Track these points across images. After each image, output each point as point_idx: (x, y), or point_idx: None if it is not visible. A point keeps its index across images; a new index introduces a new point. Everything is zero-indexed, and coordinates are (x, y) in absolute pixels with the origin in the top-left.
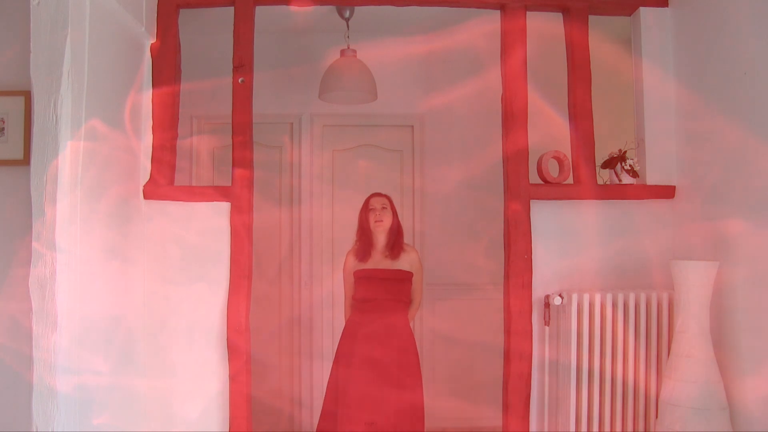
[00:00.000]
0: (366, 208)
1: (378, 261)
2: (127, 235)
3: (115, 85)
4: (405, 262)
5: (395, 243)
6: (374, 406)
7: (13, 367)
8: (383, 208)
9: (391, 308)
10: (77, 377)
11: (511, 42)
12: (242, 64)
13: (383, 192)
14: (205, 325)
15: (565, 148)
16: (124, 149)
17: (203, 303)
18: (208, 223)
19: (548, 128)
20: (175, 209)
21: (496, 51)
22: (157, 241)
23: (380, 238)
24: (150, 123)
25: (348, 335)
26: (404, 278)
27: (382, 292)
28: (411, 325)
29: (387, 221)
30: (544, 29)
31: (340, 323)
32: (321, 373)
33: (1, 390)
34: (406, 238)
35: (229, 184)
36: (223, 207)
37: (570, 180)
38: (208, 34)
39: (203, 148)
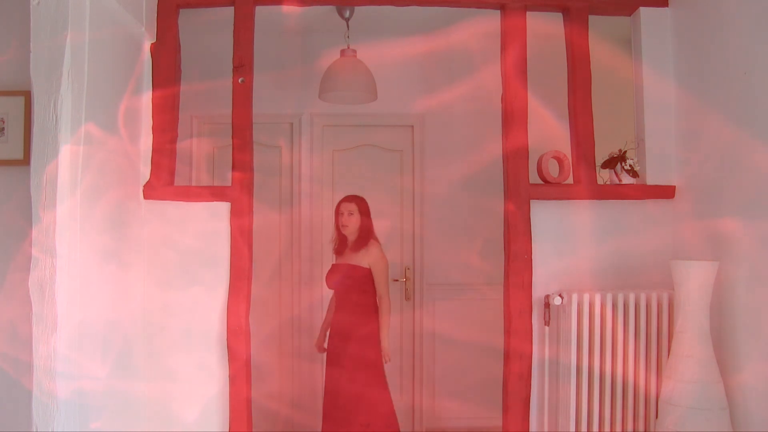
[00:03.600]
0: (336, 212)
1: (346, 255)
2: (125, 238)
3: (115, 85)
4: (363, 257)
5: (361, 240)
6: (329, 399)
7: (10, 373)
8: (350, 214)
9: (344, 303)
10: (76, 381)
11: (510, 42)
12: (242, 64)
13: (358, 194)
14: (203, 328)
15: (561, 148)
16: (122, 150)
17: (202, 305)
18: (207, 224)
19: (543, 128)
20: (174, 211)
21: (496, 51)
22: (155, 244)
23: (350, 237)
24: (150, 124)
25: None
26: (353, 274)
27: (338, 287)
28: (384, 332)
29: (353, 225)
30: (538, 29)
31: None
32: (320, 375)
33: None
34: (406, 239)
35: (229, 184)
36: (223, 208)
37: (570, 180)
38: (208, 34)
39: (202, 148)
